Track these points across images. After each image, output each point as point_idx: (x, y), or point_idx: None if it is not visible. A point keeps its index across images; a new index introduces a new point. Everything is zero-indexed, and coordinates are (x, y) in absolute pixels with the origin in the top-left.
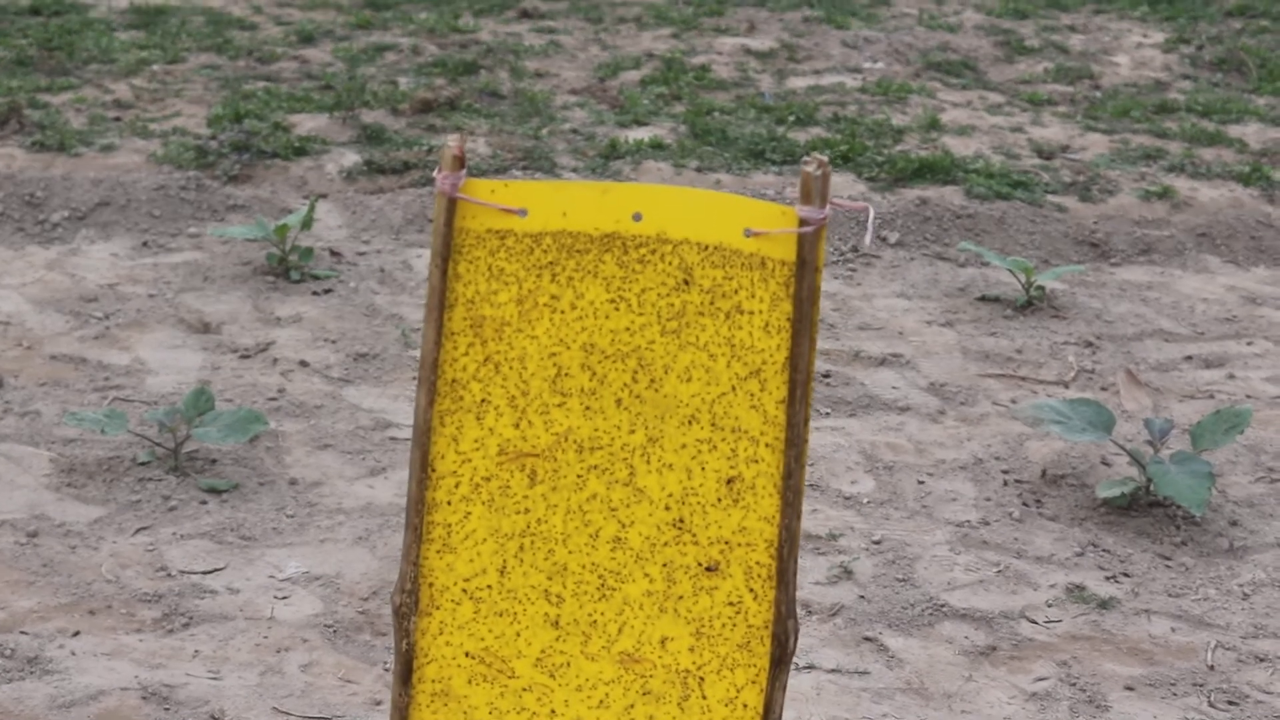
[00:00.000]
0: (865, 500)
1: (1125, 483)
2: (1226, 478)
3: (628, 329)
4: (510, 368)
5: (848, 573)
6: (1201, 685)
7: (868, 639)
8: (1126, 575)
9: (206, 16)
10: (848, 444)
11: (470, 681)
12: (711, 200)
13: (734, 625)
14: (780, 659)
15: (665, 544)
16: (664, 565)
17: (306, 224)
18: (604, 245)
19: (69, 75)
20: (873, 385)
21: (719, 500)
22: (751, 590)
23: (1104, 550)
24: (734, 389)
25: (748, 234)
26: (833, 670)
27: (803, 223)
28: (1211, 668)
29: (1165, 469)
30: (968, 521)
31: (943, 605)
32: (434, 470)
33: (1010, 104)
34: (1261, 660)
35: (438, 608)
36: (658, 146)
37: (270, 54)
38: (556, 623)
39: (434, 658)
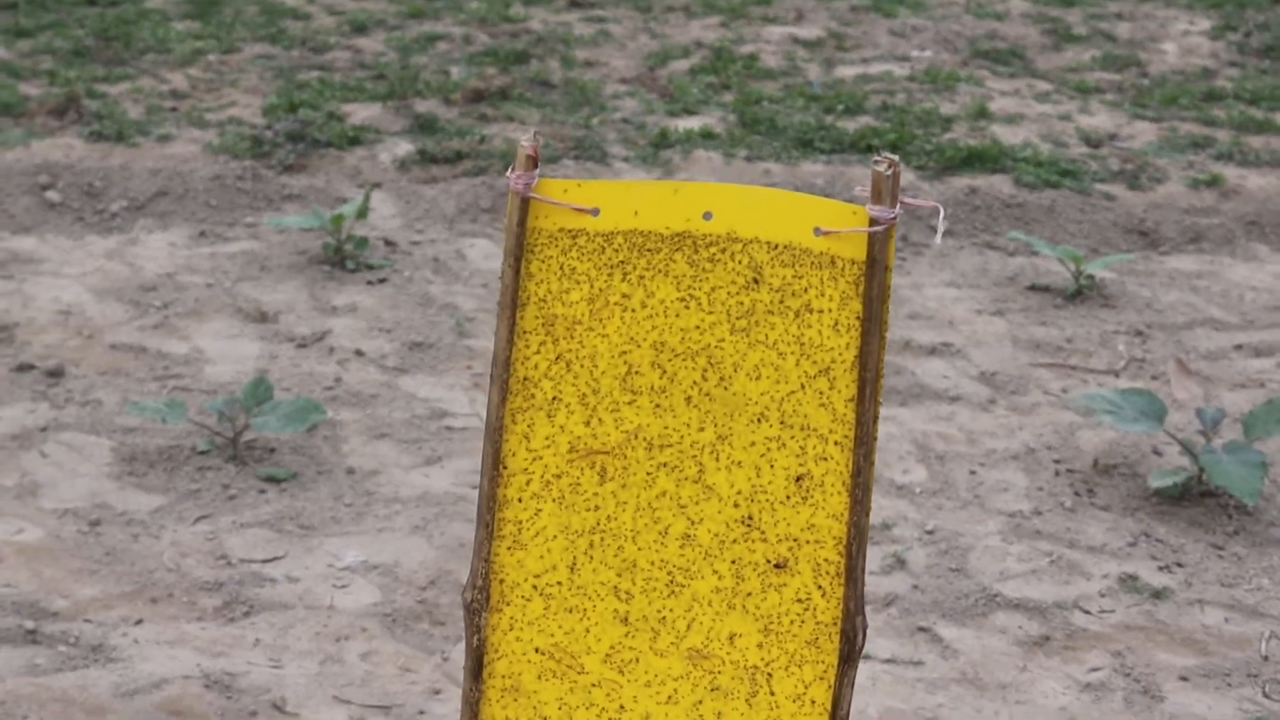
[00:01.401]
0: (918, 490)
1: (1177, 472)
2: (1278, 467)
3: (698, 327)
4: (581, 366)
5: (901, 562)
6: (1256, 676)
7: (922, 629)
8: (1179, 565)
9: (260, 6)
10: (899, 433)
11: (540, 677)
12: (781, 199)
13: (802, 622)
14: (848, 656)
15: (734, 541)
16: (733, 562)
17: (361, 214)
18: (675, 244)
19: (126, 65)
20: (923, 374)
21: (788, 498)
22: (820, 587)
23: (1157, 540)
24: (803, 387)
25: (817, 233)
26: (888, 660)
27: (873, 222)
28: (1266, 658)
29: (1218, 458)
30: (1020, 511)
31: (996, 595)
32: (505, 467)
33: (1058, 92)
34: None
35: (508, 604)
36: (707, 135)
37: (324, 43)
38: (625, 619)
39: (504, 653)
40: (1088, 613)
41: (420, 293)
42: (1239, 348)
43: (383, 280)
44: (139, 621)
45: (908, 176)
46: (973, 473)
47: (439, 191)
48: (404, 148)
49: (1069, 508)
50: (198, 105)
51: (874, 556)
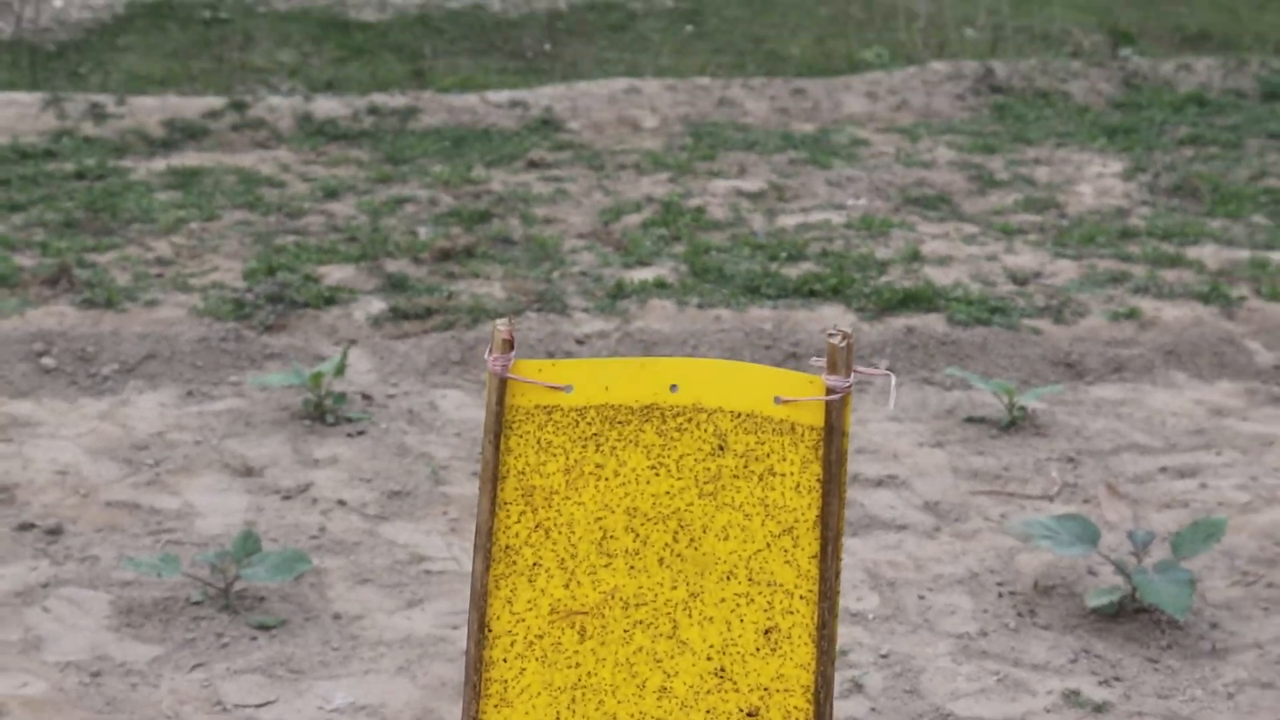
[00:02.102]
0: (871, 616)
1: (1112, 591)
2: (1205, 582)
3: (668, 492)
4: (560, 532)
5: (859, 686)
6: None
7: None
8: (1118, 679)
9: (238, 175)
10: (852, 562)
11: None
12: (743, 371)
13: None
14: None
15: (708, 691)
16: (708, 712)
17: (339, 370)
18: (644, 416)
19: (113, 235)
20: (871, 505)
21: (757, 650)
22: None
23: (1096, 656)
24: (769, 546)
25: (778, 401)
26: None
27: (829, 391)
28: None
29: (1149, 578)
30: (967, 633)
31: (949, 715)
32: (490, 630)
33: (984, 234)
34: None
35: None
36: (661, 285)
37: (298, 209)
38: None
39: None
40: None
41: (397, 443)
42: (1163, 470)
43: (361, 432)
44: None
45: (849, 318)
46: (921, 597)
47: (411, 346)
48: (377, 305)
49: (1013, 628)
50: (181, 271)
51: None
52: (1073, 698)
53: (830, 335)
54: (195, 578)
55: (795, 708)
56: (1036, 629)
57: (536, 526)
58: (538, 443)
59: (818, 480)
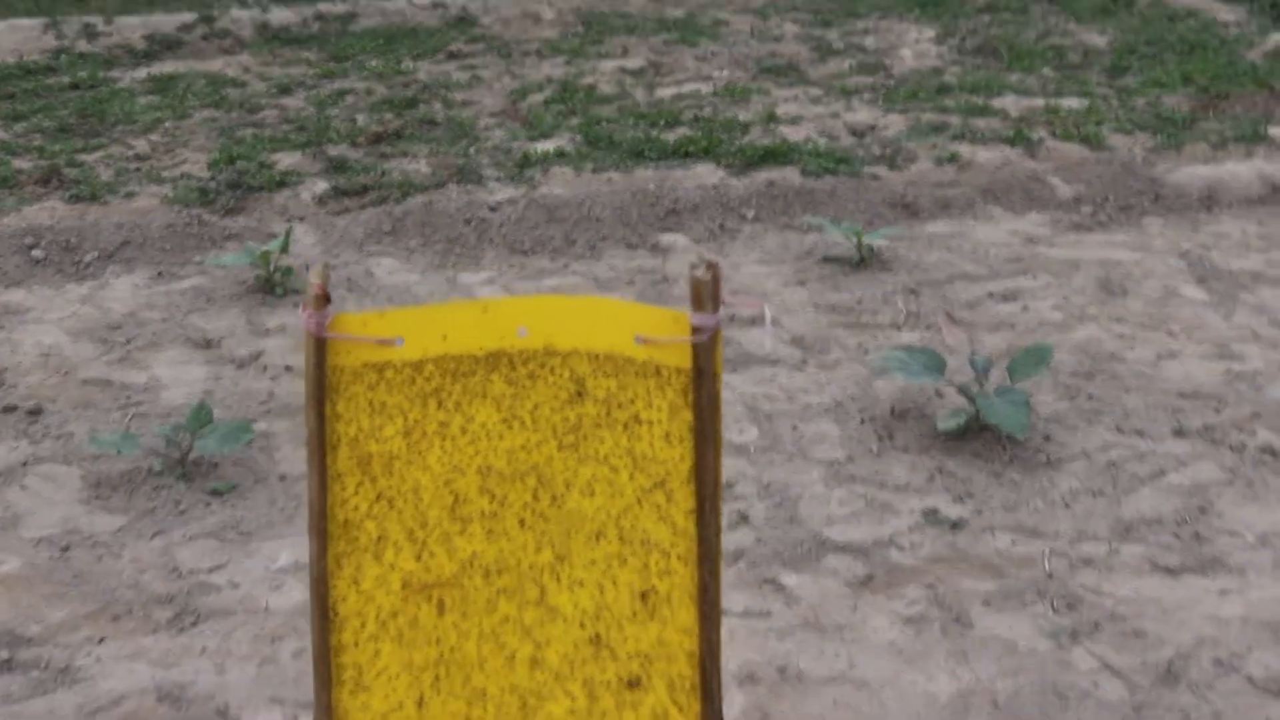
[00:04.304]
0: (752, 449)
1: (958, 414)
2: (1035, 397)
3: (523, 447)
4: (405, 501)
5: (744, 518)
6: (1044, 593)
7: (767, 580)
8: (969, 495)
9: (207, 79)
10: (732, 397)
11: None
12: (597, 308)
13: None
14: None
15: (584, 661)
16: (584, 682)
17: (284, 248)
18: (490, 364)
19: (100, 136)
20: (747, 343)
21: (634, 614)
22: (676, 703)
23: (948, 474)
24: (639, 501)
25: (638, 340)
26: (741, 614)
27: (696, 330)
28: (1050, 575)
29: (990, 401)
30: (836, 459)
31: (825, 541)
32: (336, 613)
33: (827, 95)
34: (1088, 563)
35: None
36: (561, 155)
37: (256, 105)
38: None
39: None
40: (901, 549)
41: (338, 309)
42: (990, 295)
43: None
44: (102, 640)
45: (719, 174)
46: (795, 427)
47: (349, 221)
48: (321, 186)
49: (875, 452)
50: (156, 165)
51: (723, 513)
52: (932, 516)
53: (694, 267)
54: (154, 452)
55: (679, 675)
56: (895, 452)
57: (378, 498)
58: (370, 405)
59: (689, 429)
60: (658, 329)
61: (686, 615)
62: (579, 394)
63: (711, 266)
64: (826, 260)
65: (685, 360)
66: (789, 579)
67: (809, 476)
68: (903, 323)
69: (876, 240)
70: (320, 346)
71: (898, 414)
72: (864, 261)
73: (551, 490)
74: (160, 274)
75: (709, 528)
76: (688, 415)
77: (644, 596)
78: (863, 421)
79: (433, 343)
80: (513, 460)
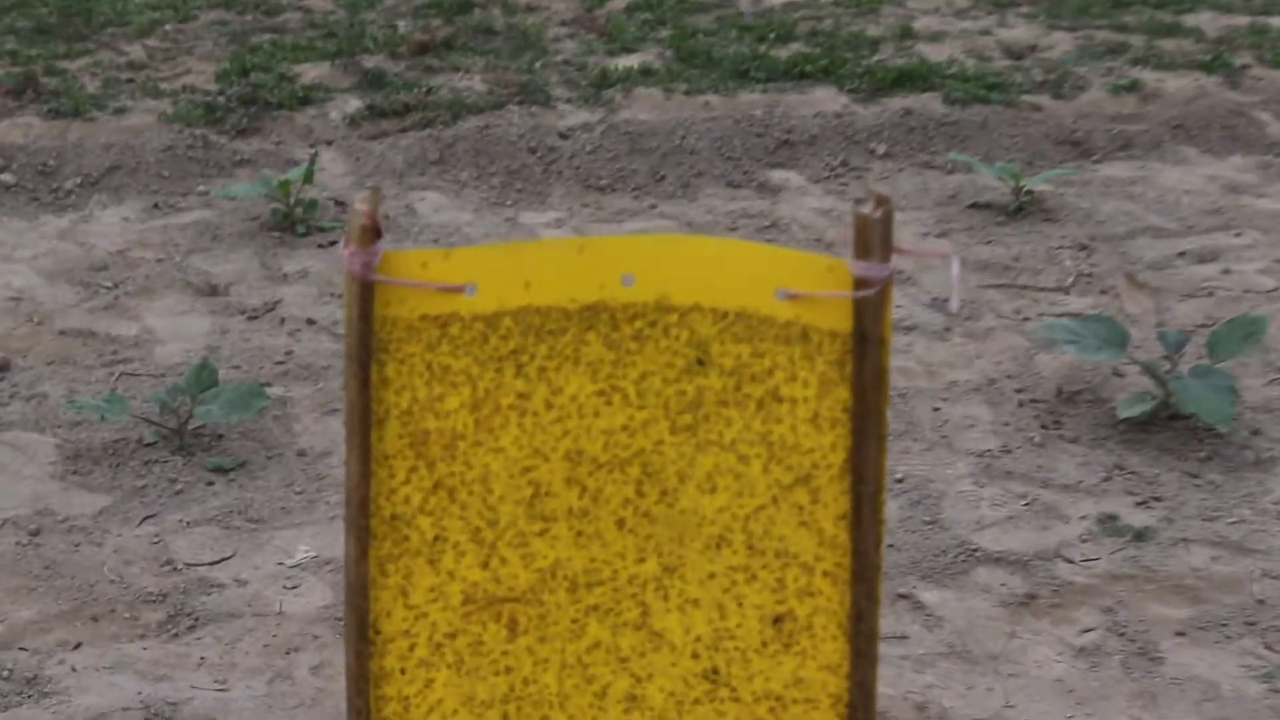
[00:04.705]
0: None
1: (1144, 399)
2: (1240, 382)
3: (625, 428)
4: (470, 493)
5: None
6: (1254, 624)
7: (902, 595)
8: (1158, 500)
9: None
10: None
11: None
12: (727, 251)
13: None
14: None
15: (695, 701)
16: None
17: (308, 178)
18: (585, 321)
19: (86, 40)
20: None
21: (764, 645)
22: None
23: (1131, 472)
24: (775, 501)
25: (781, 295)
26: None
27: (859, 284)
28: (1261, 602)
29: (1186, 384)
30: (989, 450)
31: (975, 550)
32: (378, 633)
33: (976, 7)
34: None
35: None
36: (647, 72)
37: (276, 5)
38: None
39: None
40: (1071, 562)
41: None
42: (1182, 255)
43: (333, 243)
44: (77, 645)
45: (842, 100)
46: (936, 409)
47: (387, 146)
48: (353, 104)
49: (1038, 443)
50: (153, 75)
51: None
52: (1110, 524)
53: (859, 203)
54: (146, 419)
55: None
56: (1064, 443)
57: (436, 487)
58: (429, 369)
59: (845, 410)
60: (808, 281)
61: (833, 649)
62: (700, 362)
63: (883, 201)
64: (975, 207)
65: (844, 322)
66: (929, 595)
67: (954, 470)
68: (1071, 285)
69: (1038, 184)
70: (366, 293)
71: (1066, 396)
72: (1022, 209)
73: (661, 484)
74: (156, 205)
75: (867, 538)
76: (844, 393)
77: (777, 622)
78: (1022, 404)
79: (512, 292)
80: (611, 445)
